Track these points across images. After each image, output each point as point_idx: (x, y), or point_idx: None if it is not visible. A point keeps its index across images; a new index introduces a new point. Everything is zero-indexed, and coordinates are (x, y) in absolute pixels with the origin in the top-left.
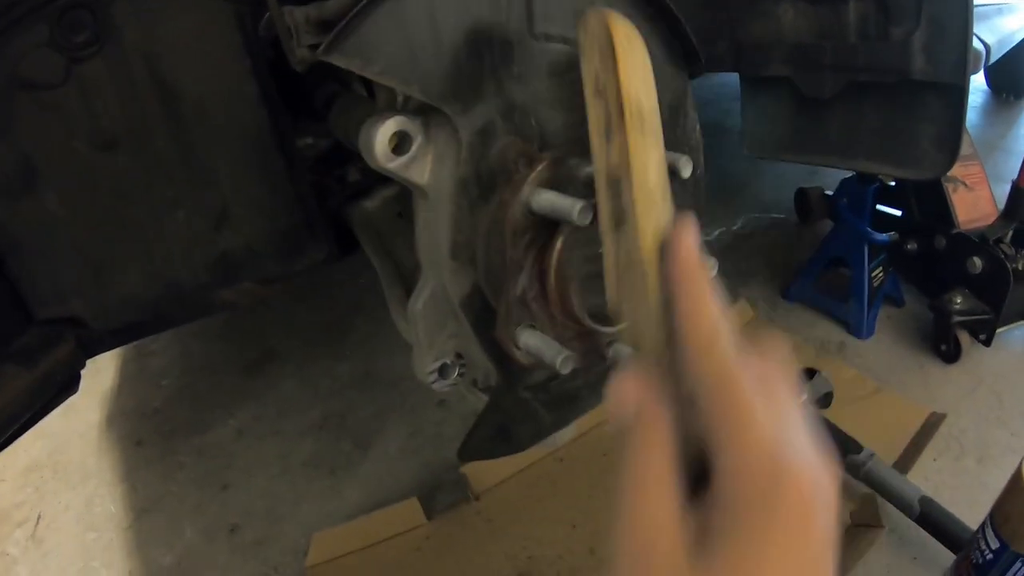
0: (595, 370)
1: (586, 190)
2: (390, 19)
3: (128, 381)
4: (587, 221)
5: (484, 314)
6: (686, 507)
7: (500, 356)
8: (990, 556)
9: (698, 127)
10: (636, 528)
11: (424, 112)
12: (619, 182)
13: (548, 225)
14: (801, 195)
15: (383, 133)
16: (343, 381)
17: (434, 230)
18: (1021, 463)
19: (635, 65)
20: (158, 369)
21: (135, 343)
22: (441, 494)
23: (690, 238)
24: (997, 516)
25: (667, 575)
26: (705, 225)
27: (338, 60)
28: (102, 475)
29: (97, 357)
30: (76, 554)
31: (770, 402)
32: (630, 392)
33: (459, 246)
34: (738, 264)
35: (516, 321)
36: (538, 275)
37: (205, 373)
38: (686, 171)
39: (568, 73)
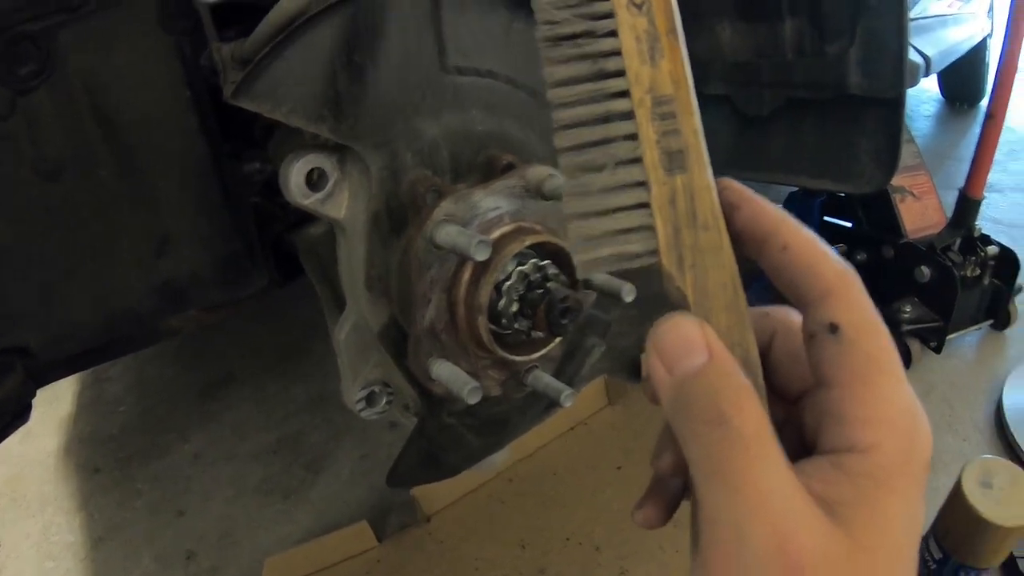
0: (518, 395)
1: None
2: (299, 60)
3: (85, 408)
4: (484, 257)
5: (403, 344)
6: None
7: (421, 385)
8: (934, 567)
9: None
10: (751, 496)
11: (340, 148)
12: (673, 114)
13: (455, 257)
14: None
15: (298, 171)
16: (298, 403)
17: (352, 262)
18: (961, 474)
19: None
20: (115, 395)
21: (91, 370)
22: (392, 516)
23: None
24: (939, 527)
25: (814, 555)
26: None
27: (246, 104)
28: (60, 503)
29: (54, 385)
30: None
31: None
32: (695, 334)
33: (373, 279)
34: None
35: (427, 352)
36: (447, 307)
37: (162, 398)
38: None
39: None
